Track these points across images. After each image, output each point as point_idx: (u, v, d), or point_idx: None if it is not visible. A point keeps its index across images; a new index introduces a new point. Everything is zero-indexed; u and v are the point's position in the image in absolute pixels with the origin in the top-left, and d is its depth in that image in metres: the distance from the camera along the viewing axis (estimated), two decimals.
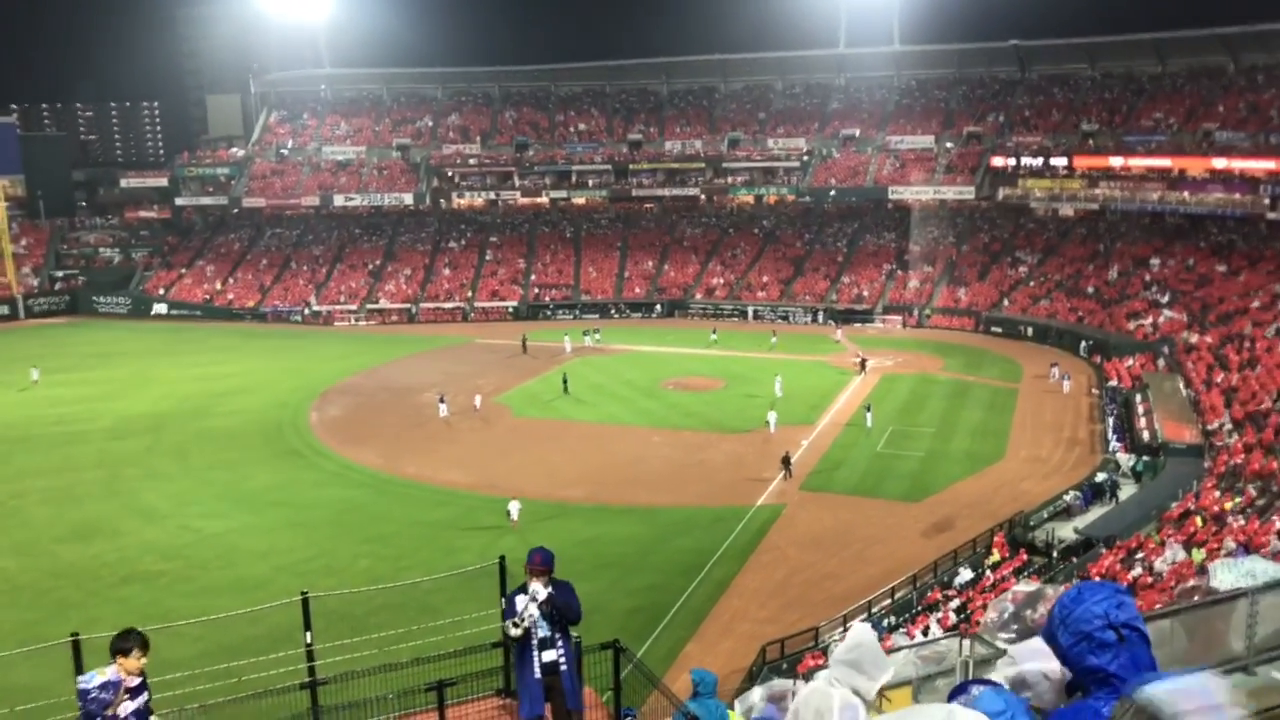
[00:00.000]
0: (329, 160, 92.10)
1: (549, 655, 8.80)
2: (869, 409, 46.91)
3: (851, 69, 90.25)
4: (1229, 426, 39.76)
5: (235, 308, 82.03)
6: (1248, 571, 9.01)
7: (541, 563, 8.86)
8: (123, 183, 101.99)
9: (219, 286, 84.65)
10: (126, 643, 7.35)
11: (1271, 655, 6.75)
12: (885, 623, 27.18)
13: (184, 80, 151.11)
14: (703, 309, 78.32)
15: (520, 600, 8.78)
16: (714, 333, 69.19)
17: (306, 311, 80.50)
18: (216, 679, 10.10)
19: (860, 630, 4.63)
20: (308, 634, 9.38)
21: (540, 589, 8.75)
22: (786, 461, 39.90)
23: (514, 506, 34.71)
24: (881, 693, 5.43)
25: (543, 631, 8.80)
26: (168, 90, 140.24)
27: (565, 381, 54.20)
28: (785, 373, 54.39)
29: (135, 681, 7.35)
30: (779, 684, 9.43)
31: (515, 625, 8.72)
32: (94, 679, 6.74)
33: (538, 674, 8.77)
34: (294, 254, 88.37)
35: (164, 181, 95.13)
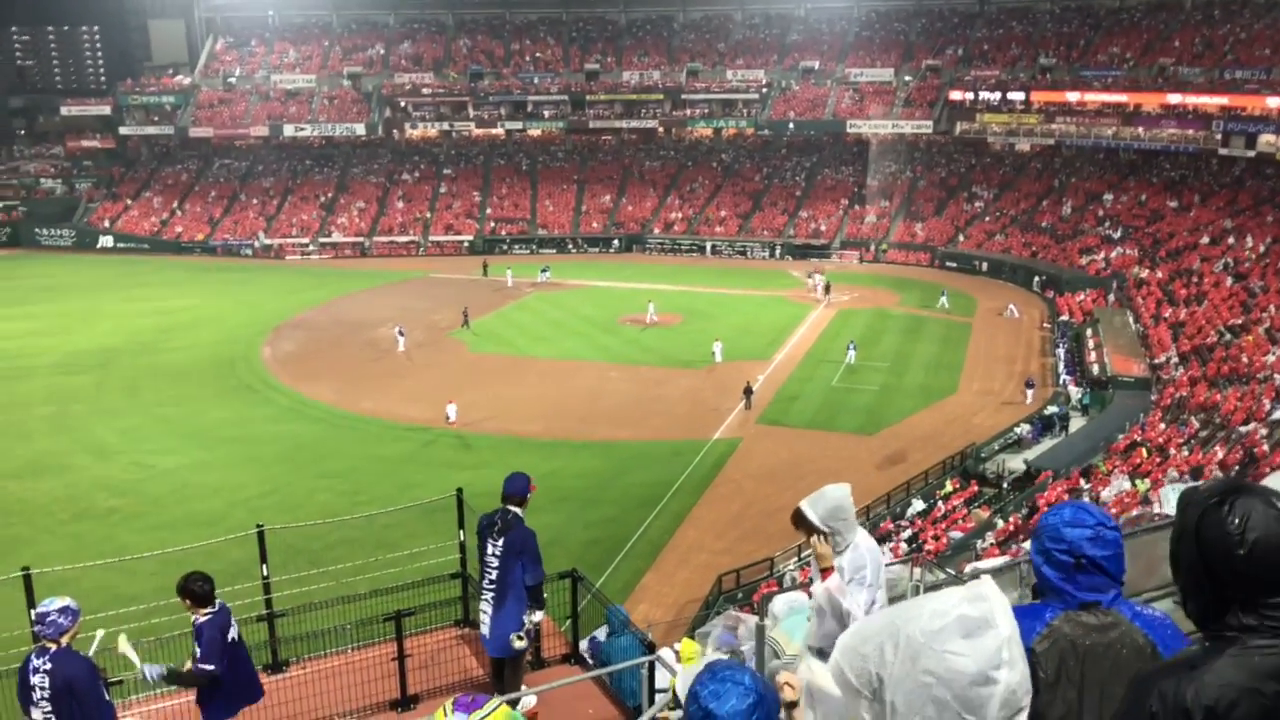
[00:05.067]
0: (278, 89, 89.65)
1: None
2: (852, 344, 46.70)
3: None
4: (1175, 360, 40.66)
5: (184, 241, 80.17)
6: None
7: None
8: (63, 110, 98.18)
9: (166, 219, 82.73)
10: (188, 584, 7.69)
11: None
12: None
13: (124, 3, 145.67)
14: (660, 244, 77.91)
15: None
16: (810, 277, 61.89)
17: (257, 245, 78.95)
18: (174, 612, 10.04)
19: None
20: (264, 566, 9.34)
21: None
22: (749, 391, 40.20)
23: (451, 409, 37.65)
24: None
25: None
26: (108, 14, 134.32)
27: (465, 316, 53.44)
28: (742, 307, 54.73)
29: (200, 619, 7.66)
30: (734, 614, 9.62)
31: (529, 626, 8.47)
32: (54, 603, 6.91)
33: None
34: (243, 186, 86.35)
35: (107, 110, 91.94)
